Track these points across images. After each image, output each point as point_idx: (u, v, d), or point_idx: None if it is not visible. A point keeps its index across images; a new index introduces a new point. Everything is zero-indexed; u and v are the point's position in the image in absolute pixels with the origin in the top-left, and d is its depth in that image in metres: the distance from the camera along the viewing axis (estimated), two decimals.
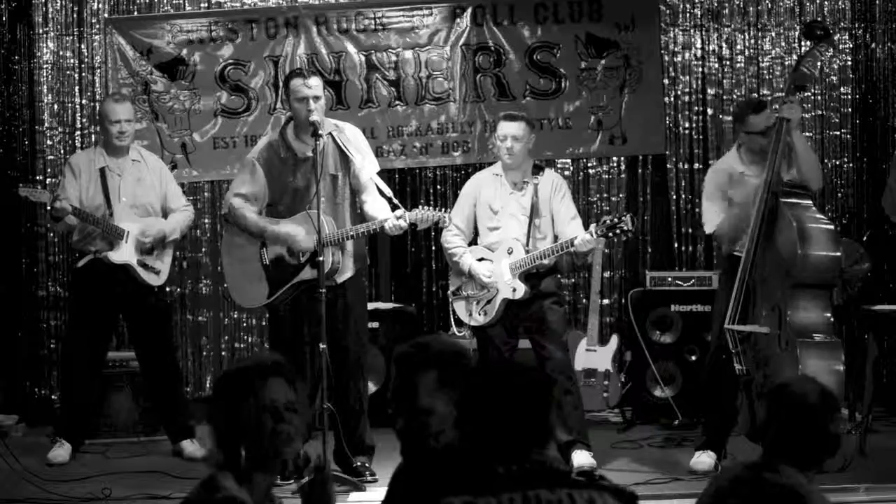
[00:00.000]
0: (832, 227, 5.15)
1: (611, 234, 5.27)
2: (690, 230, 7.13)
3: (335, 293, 5.32)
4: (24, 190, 5.98)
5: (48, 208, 5.84)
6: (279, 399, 2.77)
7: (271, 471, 2.82)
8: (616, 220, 5.26)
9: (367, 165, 5.42)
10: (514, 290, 5.45)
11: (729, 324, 5.10)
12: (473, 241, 5.75)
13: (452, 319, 5.78)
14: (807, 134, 6.98)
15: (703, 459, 5.36)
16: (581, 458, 5.38)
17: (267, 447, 2.76)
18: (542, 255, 5.43)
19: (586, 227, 5.46)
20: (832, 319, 5.04)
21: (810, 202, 5.13)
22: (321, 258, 5.17)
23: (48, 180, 7.13)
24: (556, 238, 5.55)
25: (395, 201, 5.30)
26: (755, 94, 6.97)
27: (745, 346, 5.08)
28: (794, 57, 6.68)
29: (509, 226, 5.57)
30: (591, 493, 2.40)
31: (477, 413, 2.51)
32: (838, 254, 5.07)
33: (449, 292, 5.78)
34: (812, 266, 4.94)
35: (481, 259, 5.60)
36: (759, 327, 5.04)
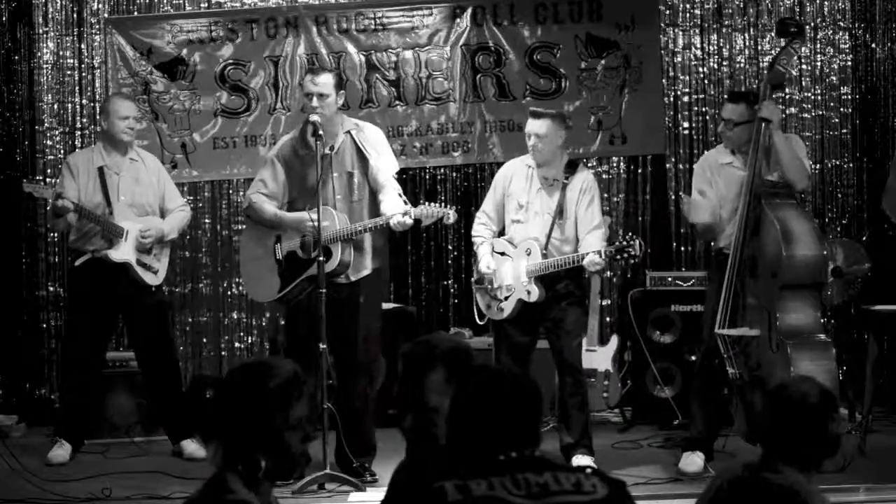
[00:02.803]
0: (815, 225, 5.12)
1: (618, 258, 5.24)
2: (690, 230, 7.12)
3: (349, 291, 5.33)
4: (28, 185, 6.00)
5: (50, 205, 5.84)
6: (304, 415, 2.64)
7: (284, 480, 2.74)
8: (625, 243, 5.21)
9: (384, 165, 5.42)
10: (529, 293, 5.41)
11: (719, 328, 5.08)
12: (501, 232, 5.68)
13: (475, 309, 5.74)
14: (807, 134, 6.99)
15: (694, 460, 5.35)
16: (581, 462, 5.32)
17: (291, 464, 2.66)
18: (556, 265, 5.36)
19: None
20: (822, 319, 5.02)
21: (794, 201, 5.10)
22: (321, 258, 5.18)
23: (48, 180, 7.11)
24: (577, 241, 5.50)
25: (404, 198, 5.32)
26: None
27: (736, 350, 5.07)
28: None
29: (533, 223, 5.50)
30: (578, 476, 2.41)
31: (466, 415, 2.51)
32: (824, 252, 5.02)
33: (472, 280, 5.74)
34: (798, 266, 4.90)
35: (503, 253, 5.56)
36: (749, 330, 5.02)
